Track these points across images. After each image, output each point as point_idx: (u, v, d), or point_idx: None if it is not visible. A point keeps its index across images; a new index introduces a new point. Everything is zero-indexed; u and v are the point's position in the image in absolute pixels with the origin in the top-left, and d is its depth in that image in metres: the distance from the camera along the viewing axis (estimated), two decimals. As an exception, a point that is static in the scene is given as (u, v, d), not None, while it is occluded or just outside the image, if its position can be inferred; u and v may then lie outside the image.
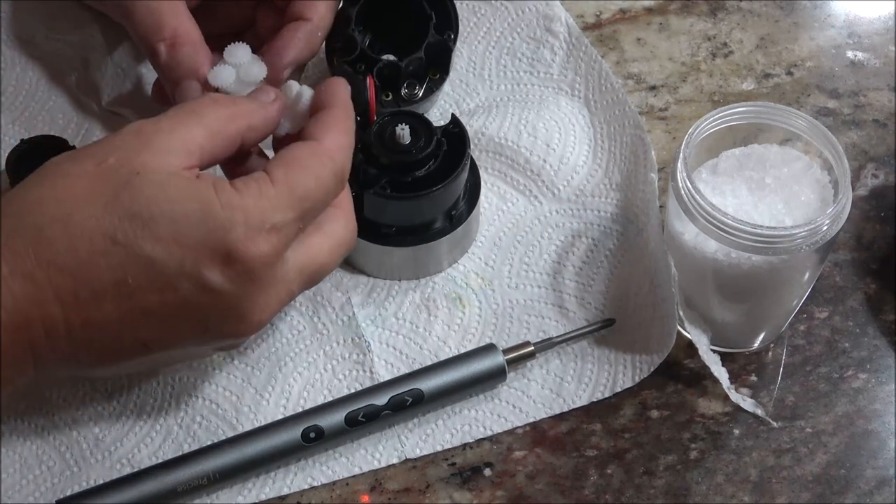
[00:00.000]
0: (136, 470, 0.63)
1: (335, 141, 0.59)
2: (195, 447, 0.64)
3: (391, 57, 0.72)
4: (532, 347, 0.67)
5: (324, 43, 0.71)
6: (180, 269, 0.53)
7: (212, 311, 0.55)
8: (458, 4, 0.78)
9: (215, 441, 0.64)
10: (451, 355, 0.67)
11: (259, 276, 0.55)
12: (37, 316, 0.53)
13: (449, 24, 0.72)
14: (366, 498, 0.64)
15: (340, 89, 0.61)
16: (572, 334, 0.68)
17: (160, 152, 0.54)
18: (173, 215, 0.53)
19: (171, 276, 0.53)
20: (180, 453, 0.64)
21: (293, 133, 0.62)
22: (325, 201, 0.58)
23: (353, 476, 0.65)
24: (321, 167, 0.57)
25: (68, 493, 0.63)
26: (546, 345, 0.67)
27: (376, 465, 0.65)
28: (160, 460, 0.64)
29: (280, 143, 0.62)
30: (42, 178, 0.54)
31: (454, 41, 0.72)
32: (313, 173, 0.57)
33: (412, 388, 0.65)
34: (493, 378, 0.66)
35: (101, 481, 0.63)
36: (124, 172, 0.53)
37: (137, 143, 0.55)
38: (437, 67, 0.73)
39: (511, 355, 0.67)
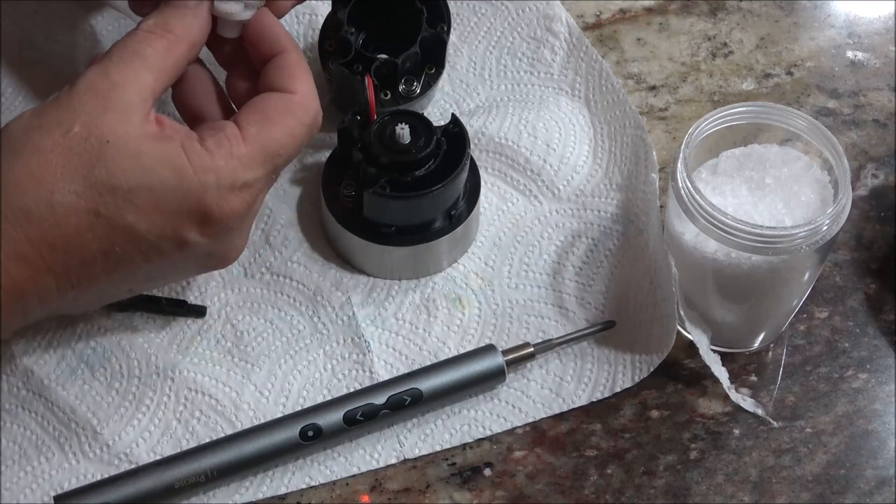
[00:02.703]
0: (133, 466, 0.63)
1: (306, 90, 0.60)
2: (193, 443, 0.64)
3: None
4: (531, 349, 0.67)
5: (317, 48, 0.72)
6: (161, 233, 0.56)
7: (191, 260, 0.59)
8: (458, 4, 0.79)
9: (213, 437, 0.64)
10: (450, 356, 0.67)
11: (234, 227, 0.58)
12: (32, 288, 0.55)
13: (441, 16, 0.72)
14: (366, 498, 0.64)
15: (279, 27, 0.62)
16: (572, 336, 0.68)
17: (121, 111, 0.56)
18: (150, 184, 0.55)
19: (154, 240, 0.56)
20: (178, 449, 0.64)
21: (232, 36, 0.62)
22: (298, 152, 0.61)
23: (353, 476, 0.65)
24: (296, 123, 0.59)
25: (66, 486, 0.63)
26: (546, 346, 0.67)
27: (375, 465, 0.65)
28: (158, 456, 0.64)
29: (221, 44, 0.63)
30: (15, 152, 0.55)
31: (447, 32, 0.72)
32: (288, 130, 0.59)
33: (411, 387, 0.65)
34: (493, 379, 0.66)
35: (99, 475, 0.63)
36: (93, 142, 0.55)
37: (97, 105, 0.56)
38: (432, 61, 0.73)
39: (510, 356, 0.66)
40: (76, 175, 0.54)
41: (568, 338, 0.68)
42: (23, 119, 0.56)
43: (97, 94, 0.56)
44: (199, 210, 0.56)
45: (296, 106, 0.59)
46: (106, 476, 0.63)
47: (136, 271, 0.57)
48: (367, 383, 0.67)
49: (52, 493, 0.62)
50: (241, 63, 0.63)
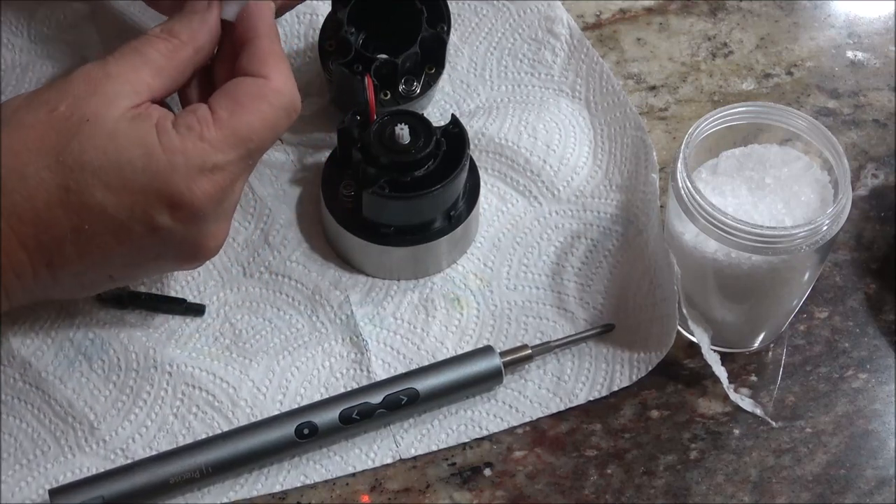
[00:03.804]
0: (129, 461, 0.63)
1: (280, 75, 0.60)
2: (190, 439, 0.64)
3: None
4: (529, 351, 0.67)
5: (317, 48, 0.72)
6: (131, 214, 0.56)
7: (167, 246, 0.58)
8: (459, 4, 0.79)
9: (210, 433, 0.64)
10: (448, 356, 0.67)
11: (206, 213, 0.58)
12: (6, 263, 0.55)
13: (441, 16, 0.72)
14: (366, 498, 0.64)
15: (265, 13, 0.61)
16: (570, 339, 0.68)
17: (109, 97, 0.56)
18: (119, 162, 0.56)
19: (124, 220, 0.56)
20: (175, 444, 0.64)
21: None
22: (274, 137, 0.60)
23: (352, 475, 0.65)
24: (269, 108, 0.59)
25: (61, 480, 0.63)
26: (544, 349, 0.67)
27: (371, 465, 0.65)
28: (154, 451, 0.64)
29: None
30: (2, 128, 0.56)
31: (447, 32, 0.72)
32: (260, 114, 0.59)
33: (407, 387, 0.65)
34: (490, 380, 0.66)
35: (95, 470, 0.63)
36: (74, 120, 0.55)
37: (87, 90, 0.56)
38: (432, 62, 0.73)
39: (508, 358, 0.66)
40: (52, 151, 0.55)
41: (566, 340, 0.68)
42: (17, 99, 0.57)
43: (89, 81, 0.57)
44: (167, 191, 0.56)
45: (269, 90, 0.59)
46: (101, 471, 0.63)
47: (111, 255, 0.57)
48: (364, 382, 0.67)
49: (48, 487, 0.62)
50: (227, 47, 0.63)
